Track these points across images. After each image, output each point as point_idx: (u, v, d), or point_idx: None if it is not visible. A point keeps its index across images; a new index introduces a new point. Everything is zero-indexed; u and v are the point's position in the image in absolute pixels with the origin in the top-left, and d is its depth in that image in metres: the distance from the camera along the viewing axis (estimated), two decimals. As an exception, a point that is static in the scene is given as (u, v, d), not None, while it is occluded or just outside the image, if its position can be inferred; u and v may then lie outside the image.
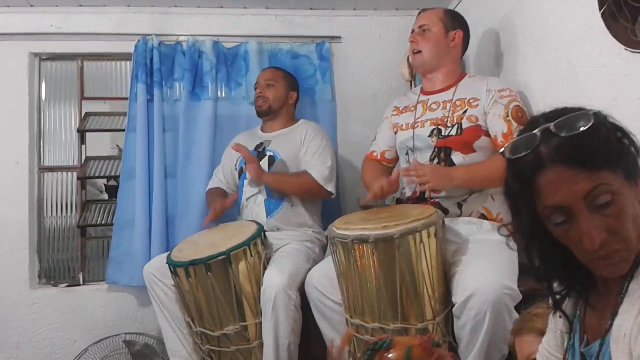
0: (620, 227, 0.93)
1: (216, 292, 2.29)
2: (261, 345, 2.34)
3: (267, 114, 2.92)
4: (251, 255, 2.36)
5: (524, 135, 0.97)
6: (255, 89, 2.99)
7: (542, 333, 1.36)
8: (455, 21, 2.50)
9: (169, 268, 2.40)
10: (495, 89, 2.31)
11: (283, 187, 2.70)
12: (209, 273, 2.27)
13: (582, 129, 0.91)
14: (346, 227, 1.98)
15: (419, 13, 2.57)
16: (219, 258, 2.28)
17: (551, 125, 0.93)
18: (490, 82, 2.35)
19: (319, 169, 2.71)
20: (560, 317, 1.15)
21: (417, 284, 1.91)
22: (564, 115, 0.94)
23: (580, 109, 0.96)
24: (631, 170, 0.95)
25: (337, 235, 1.98)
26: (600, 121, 0.94)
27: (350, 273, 1.98)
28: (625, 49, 1.76)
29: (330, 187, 2.73)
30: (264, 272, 2.37)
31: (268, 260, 2.47)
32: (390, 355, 1.14)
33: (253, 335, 2.35)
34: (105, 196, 3.74)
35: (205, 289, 2.30)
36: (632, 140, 0.97)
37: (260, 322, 2.34)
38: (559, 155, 0.92)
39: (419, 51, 2.47)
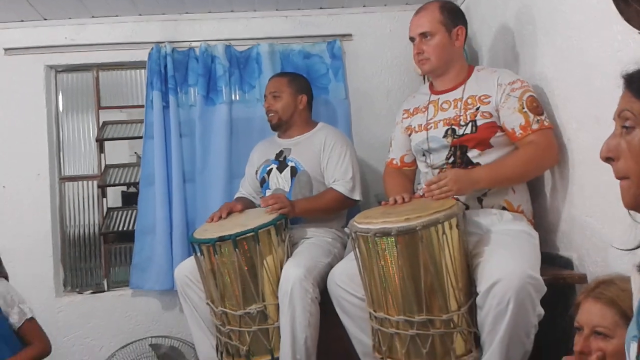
0: (627, 155, 1.03)
1: (242, 269, 2.31)
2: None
3: (279, 127, 2.91)
4: (277, 235, 2.41)
5: None
6: (265, 100, 2.96)
7: (612, 302, 1.36)
8: (455, 18, 2.41)
9: (193, 247, 2.43)
10: (506, 82, 2.29)
11: (314, 214, 2.72)
12: (236, 250, 2.29)
13: None
14: (368, 222, 1.99)
15: (415, 14, 2.47)
16: (248, 235, 2.31)
17: None
18: (501, 76, 2.33)
19: (343, 182, 2.73)
20: None
21: (441, 276, 1.91)
22: None
23: None
24: None
25: (358, 229, 1.99)
26: None
27: (372, 267, 1.99)
28: (639, 33, 1.76)
29: (357, 196, 2.76)
30: (287, 253, 2.43)
31: (292, 243, 2.52)
32: None
33: (274, 315, 2.37)
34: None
35: (231, 267, 2.32)
36: None
37: None
38: (626, 78, 1.07)
39: (427, 59, 2.39)
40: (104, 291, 3.35)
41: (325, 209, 2.72)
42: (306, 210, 2.65)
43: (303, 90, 2.93)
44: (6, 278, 2.50)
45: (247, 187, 3.01)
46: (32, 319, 2.42)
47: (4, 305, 2.35)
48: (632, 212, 1.09)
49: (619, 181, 1.06)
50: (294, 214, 2.58)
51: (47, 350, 2.44)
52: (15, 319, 2.36)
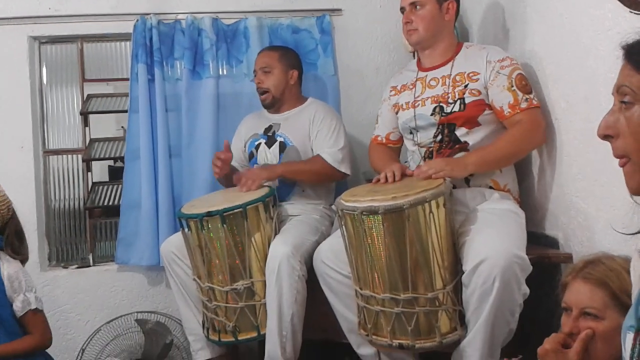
0: (626, 133, 0.98)
1: (229, 245, 2.33)
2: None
3: (272, 105, 2.86)
4: (265, 211, 2.42)
5: None
6: (254, 75, 2.91)
7: (601, 282, 1.34)
8: None
9: (180, 222, 2.44)
10: (495, 59, 2.28)
11: (298, 176, 2.71)
12: (224, 225, 2.31)
13: None
14: (354, 199, 1.99)
15: None
16: (236, 210, 2.33)
17: None
18: (490, 53, 2.32)
19: (331, 152, 2.71)
20: None
21: (427, 254, 1.92)
22: None
23: None
24: None
25: (345, 207, 1.99)
26: None
27: (359, 245, 2.00)
28: (630, 11, 1.74)
29: (344, 168, 2.73)
30: (275, 230, 2.44)
31: (280, 220, 2.53)
32: None
33: (261, 292, 2.39)
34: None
35: (219, 242, 2.33)
36: None
37: None
38: (625, 49, 1.00)
39: (415, 29, 2.37)
40: (89, 266, 3.32)
41: (310, 174, 2.71)
42: (288, 171, 2.68)
43: (294, 66, 2.90)
44: (23, 261, 2.40)
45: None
46: (36, 310, 2.28)
47: (9, 290, 2.24)
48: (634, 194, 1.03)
49: (612, 163, 1.02)
50: (276, 176, 2.64)
51: (45, 344, 2.33)
52: (18, 307, 2.24)
